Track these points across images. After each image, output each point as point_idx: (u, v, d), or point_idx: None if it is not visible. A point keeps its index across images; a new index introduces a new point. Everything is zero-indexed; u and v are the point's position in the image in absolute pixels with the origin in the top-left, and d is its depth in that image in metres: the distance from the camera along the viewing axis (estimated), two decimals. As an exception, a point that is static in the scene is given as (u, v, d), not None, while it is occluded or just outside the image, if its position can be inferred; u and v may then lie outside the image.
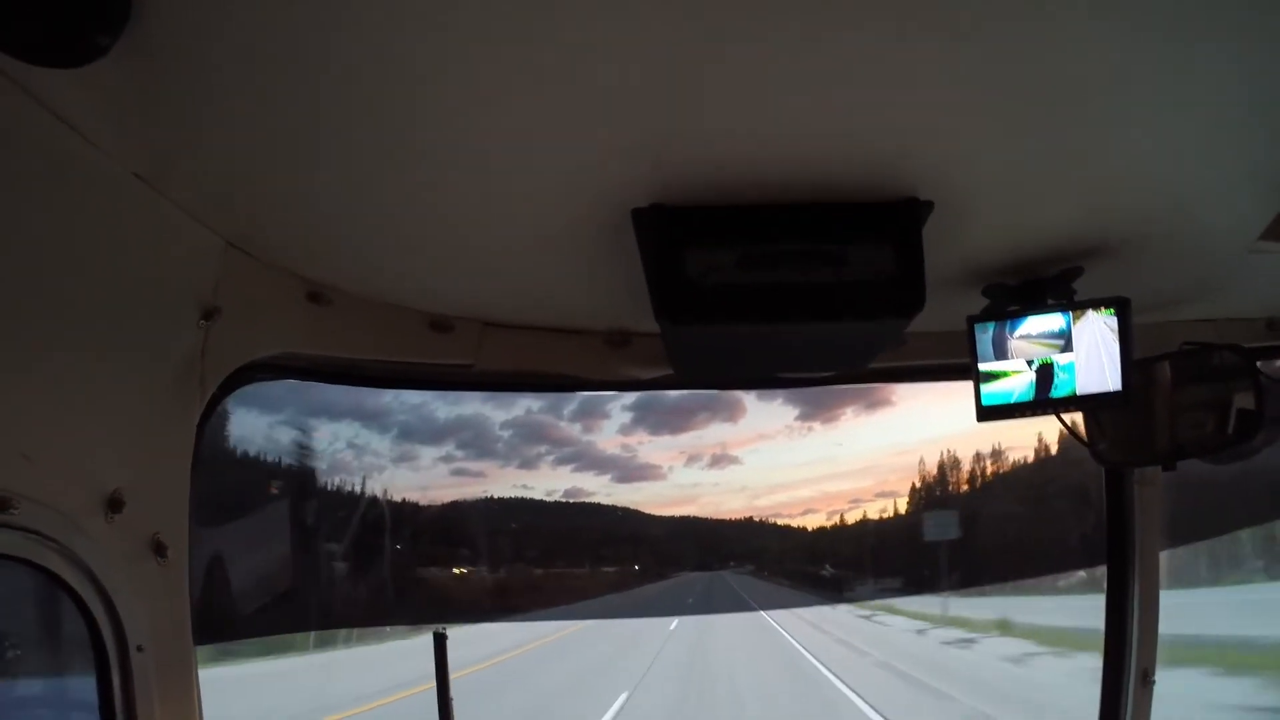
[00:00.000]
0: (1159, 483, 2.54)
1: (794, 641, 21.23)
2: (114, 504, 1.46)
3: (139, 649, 1.52)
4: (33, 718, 2.02)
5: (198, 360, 1.66)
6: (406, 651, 17.55)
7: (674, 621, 27.47)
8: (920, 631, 21.91)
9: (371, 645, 20.13)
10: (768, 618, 28.45)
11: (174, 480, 1.65)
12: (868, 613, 27.96)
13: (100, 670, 1.50)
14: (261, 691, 13.44)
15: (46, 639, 1.82)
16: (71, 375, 1.38)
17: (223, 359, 1.72)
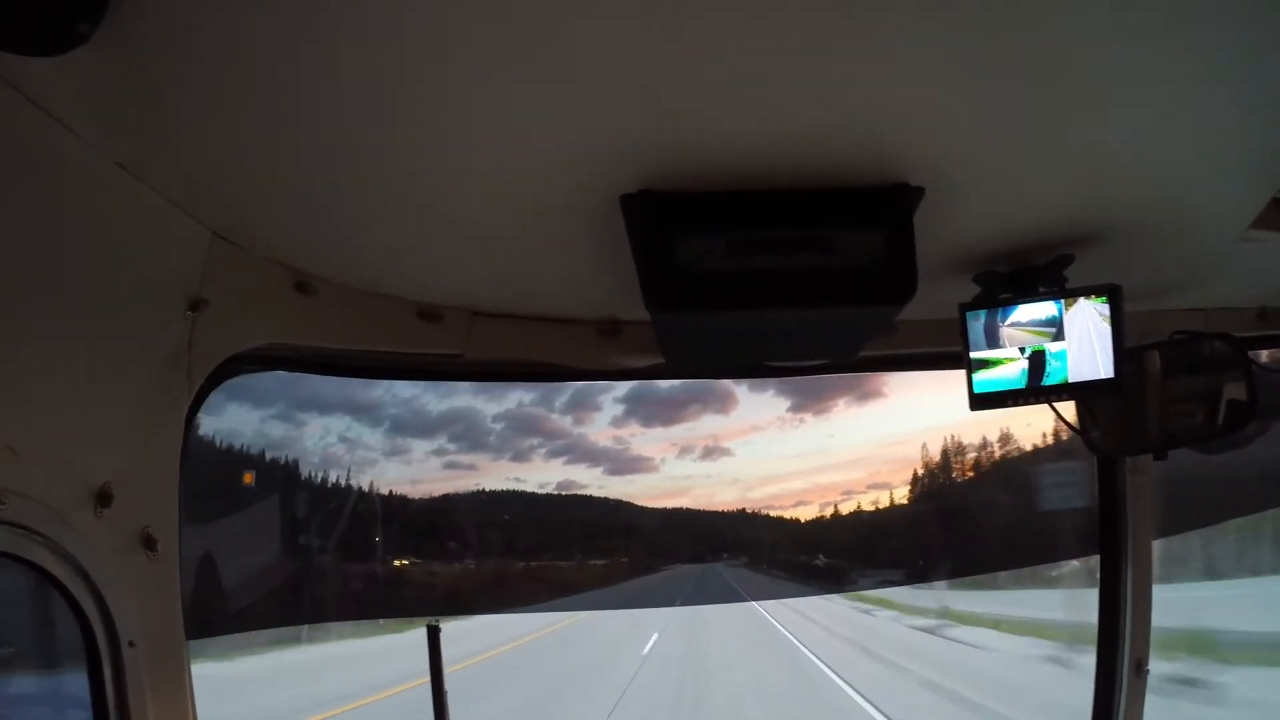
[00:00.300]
0: (1151, 471, 2.54)
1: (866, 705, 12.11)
2: (103, 498, 1.45)
3: (130, 644, 1.51)
4: (25, 715, 2.01)
5: (185, 352, 1.65)
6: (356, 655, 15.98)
7: (651, 637, 20.40)
8: (1058, 661, 12.58)
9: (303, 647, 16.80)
10: (784, 631, 21.06)
11: (163, 473, 1.64)
12: (929, 623, 19.17)
13: (92, 666, 1.49)
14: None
15: (37, 635, 1.81)
16: (57, 368, 1.37)
17: (210, 350, 1.71)
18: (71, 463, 1.41)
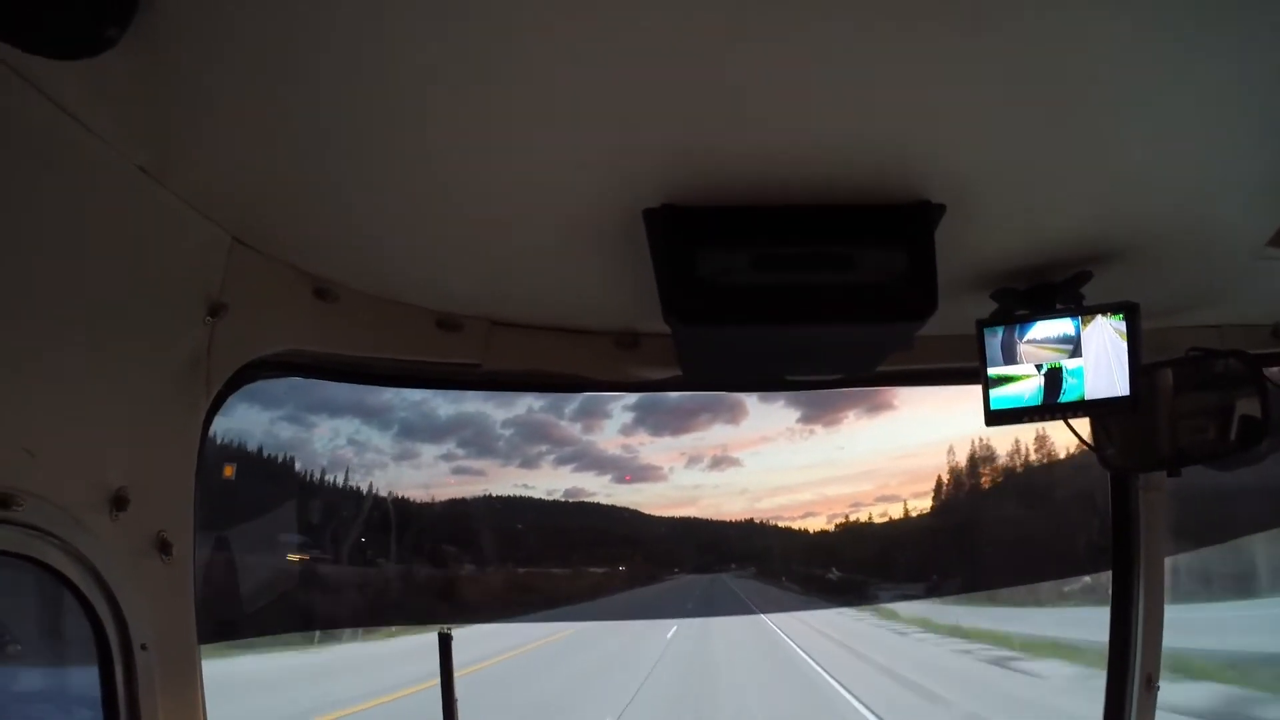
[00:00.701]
0: (1164, 488, 2.53)
1: None
2: (119, 501, 1.45)
3: (143, 647, 1.51)
4: (36, 715, 2.01)
5: (204, 357, 1.65)
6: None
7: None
8: None
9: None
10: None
11: (179, 478, 1.64)
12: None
13: (104, 669, 1.49)
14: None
15: (50, 637, 1.81)
16: (76, 371, 1.38)
17: (229, 355, 1.71)
18: (88, 466, 1.42)
